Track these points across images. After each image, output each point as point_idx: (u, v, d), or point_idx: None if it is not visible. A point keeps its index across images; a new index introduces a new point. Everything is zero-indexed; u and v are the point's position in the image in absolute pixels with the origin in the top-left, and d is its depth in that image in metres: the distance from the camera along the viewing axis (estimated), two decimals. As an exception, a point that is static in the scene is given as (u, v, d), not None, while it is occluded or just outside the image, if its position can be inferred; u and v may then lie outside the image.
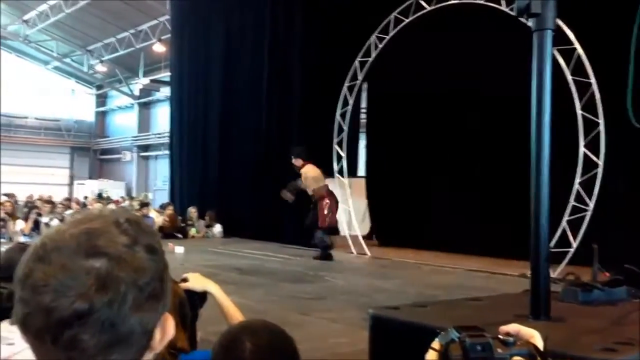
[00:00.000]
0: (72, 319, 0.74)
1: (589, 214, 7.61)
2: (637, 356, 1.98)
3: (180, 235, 13.22)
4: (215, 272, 7.66)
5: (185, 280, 2.20)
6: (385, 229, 12.42)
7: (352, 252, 10.82)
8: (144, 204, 15.11)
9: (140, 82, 25.66)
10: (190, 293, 2.15)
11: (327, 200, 10.16)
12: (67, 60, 27.57)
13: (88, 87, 30.50)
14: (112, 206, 15.38)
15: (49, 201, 14.85)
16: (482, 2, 8.77)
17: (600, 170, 7.55)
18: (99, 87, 30.33)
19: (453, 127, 10.72)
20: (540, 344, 0.96)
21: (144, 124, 28.05)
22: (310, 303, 6.41)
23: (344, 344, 4.62)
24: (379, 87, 12.32)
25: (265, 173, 13.11)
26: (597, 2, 7.98)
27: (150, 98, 27.57)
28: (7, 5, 23.40)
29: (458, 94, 10.39)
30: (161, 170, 25.74)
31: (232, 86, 14.44)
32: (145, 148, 27.81)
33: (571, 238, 7.64)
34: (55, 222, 12.51)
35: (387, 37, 10.47)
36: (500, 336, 0.94)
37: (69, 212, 13.61)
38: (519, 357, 0.92)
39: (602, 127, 7.55)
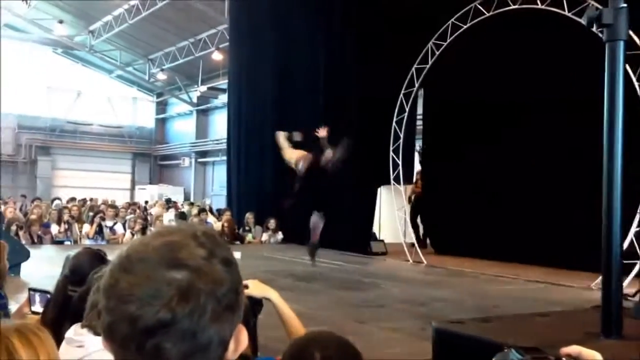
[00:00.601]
0: (156, 328, 0.78)
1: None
2: None
3: (237, 241, 13.40)
4: (271, 278, 7.72)
5: (245, 286, 2.23)
6: (441, 237, 12.26)
7: (408, 260, 10.73)
8: (202, 210, 15.40)
9: (199, 90, 26.22)
10: (249, 299, 2.19)
11: None
12: (130, 69, 28.45)
13: (149, 94, 31.37)
14: (172, 210, 15.75)
15: (113, 205, 15.33)
16: (543, 7, 8.58)
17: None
18: (159, 95, 31.16)
19: (510, 134, 10.49)
20: None
21: (201, 131, 28.64)
22: (367, 311, 6.39)
23: (403, 354, 4.59)
24: (436, 94, 12.20)
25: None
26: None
27: (208, 105, 28.13)
28: (74, 16, 24.38)
29: (516, 101, 10.16)
30: (218, 176, 26.19)
31: (288, 93, 14.57)
32: (203, 154, 28.37)
33: (639, 250, 7.36)
34: (118, 227, 12.94)
35: (445, 44, 10.36)
36: (563, 359, 0.93)
37: (130, 216, 14.01)
38: None
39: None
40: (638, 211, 7.45)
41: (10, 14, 24.63)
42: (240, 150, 16.73)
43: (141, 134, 31.08)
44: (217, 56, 22.02)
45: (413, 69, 10.92)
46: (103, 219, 12.71)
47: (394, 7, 11.46)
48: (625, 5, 2.38)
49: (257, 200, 15.48)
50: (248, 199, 15.86)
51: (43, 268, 8.12)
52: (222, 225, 13.72)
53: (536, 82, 9.71)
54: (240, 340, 0.87)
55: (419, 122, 12.91)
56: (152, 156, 31.25)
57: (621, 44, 2.40)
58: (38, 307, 3.42)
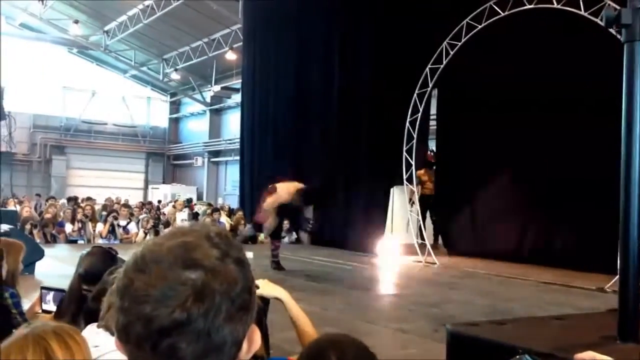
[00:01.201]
0: (171, 328, 0.77)
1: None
2: None
3: (249, 241, 13.41)
4: (283, 278, 7.76)
5: (256, 287, 2.22)
6: (454, 238, 12.21)
7: (420, 261, 10.70)
8: (216, 210, 15.44)
9: (212, 90, 26.30)
10: (261, 299, 2.18)
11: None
12: (144, 68, 28.61)
13: (163, 94, 31.53)
14: (186, 210, 15.80)
15: (126, 205, 15.42)
16: (559, 6, 8.50)
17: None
18: (173, 95, 31.31)
19: (524, 134, 10.42)
20: None
21: (215, 130, 28.73)
22: (379, 312, 6.39)
23: (416, 356, 4.57)
24: (450, 94, 12.16)
25: (335, 180, 13.16)
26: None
27: (221, 105, 28.22)
28: (89, 16, 24.57)
29: (530, 101, 10.11)
30: (231, 175, 26.27)
31: (303, 94, 14.59)
32: (216, 154, 28.47)
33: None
34: (132, 226, 13.01)
35: (459, 44, 10.32)
36: None
37: (143, 216, 14.09)
38: None
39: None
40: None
41: (26, 13, 24.88)
42: (253, 150, 16.77)
43: (155, 133, 31.25)
44: (231, 56, 22.09)
45: (427, 69, 10.88)
46: (116, 218, 12.79)
47: (409, 6, 11.43)
48: (644, 4, 2.35)
49: (269, 200, 15.47)
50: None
51: (57, 267, 8.20)
52: (234, 225, 13.75)
53: (552, 82, 9.64)
54: (254, 340, 0.87)
55: (432, 122, 12.86)
56: (165, 155, 31.41)
57: (640, 44, 2.36)
58: (50, 306, 3.44)
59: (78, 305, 2.79)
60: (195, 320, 0.78)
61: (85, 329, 2.37)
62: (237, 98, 23.87)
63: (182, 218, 14.62)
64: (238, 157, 19.29)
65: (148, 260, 0.81)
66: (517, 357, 0.94)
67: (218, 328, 0.79)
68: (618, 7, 2.46)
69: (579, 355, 0.95)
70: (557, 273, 8.94)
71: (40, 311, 3.45)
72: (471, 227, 11.54)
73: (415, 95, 11.11)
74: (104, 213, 13.68)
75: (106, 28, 25.13)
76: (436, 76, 10.84)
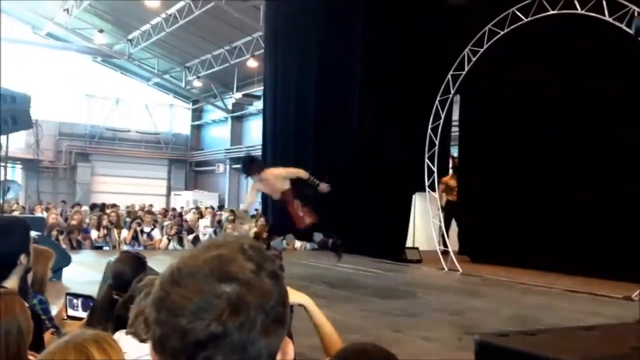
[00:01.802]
0: (208, 341, 0.78)
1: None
2: None
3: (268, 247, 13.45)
4: (305, 285, 7.74)
5: None
6: (476, 245, 12.10)
7: (443, 268, 10.63)
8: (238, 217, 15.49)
9: (234, 97, 26.49)
10: None
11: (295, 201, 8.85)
12: (167, 76, 28.93)
13: (185, 101, 31.83)
14: (208, 217, 15.89)
15: (150, 211, 15.56)
16: (584, 12, 8.43)
17: None
18: (195, 102, 31.59)
19: (547, 140, 10.32)
20: None
21: (236, 137, 28.91)
22: (403, 320, 6.35)
23: (440, 365, 4.55)
24: (472, 100, 12.09)
25: (357, 187, 13.14)
26: None
27: (243, 112, 28.39)
28: (113, 25, 24.93)
29: (554, 107, 10.00)
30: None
31: (324, 101, 14.60)
32: (238, 160, 28.57)
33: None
34: (155, 232, 13.13)
35: (481, 50, 10.27)
36: None
37: (167, 222, 14.21)
38: None
39: None
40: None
41: (52, 23, 25.33)
42: (275, 157, 16.81)
43: (177, 140, 31.53)
44: (252, 63, 22.25)
45: (449, 75, 10.84)
46: (140, 224, 12.92)
47: (431, 13, 11.42)
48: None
49: (291, 206, 15.49)
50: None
51: (83, 273, 8.31)
52: (258, 232, 13.78)
53: (575, 87, 9.54)
54: (287, 353, 0.88)
55: (454, 129, 12.80)
56: (187, 162, 31.67)
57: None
58: (76, 312, 3.47)
59: (109, 312, 2.83)
60: (231, 334, 0.79)
61: (113, 335, 2.40)
62: (258, 105, 24.00)
63: (204, 225, 14.71)
64: (260, 164, 19.35)
65: (184, 273, 0.82)
66: None
67: (253, 341, 0.80)
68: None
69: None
70: (582, 281, 8.82)
71: (66, 317, 3.49)
72: (494, 234, 11.42)
73: (437, 101, 11.08)
74: (128, 219, 13.82)
75: (130, 37, 25.47)
76: (458, 83, 10.80)
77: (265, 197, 17.48)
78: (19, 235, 2.62)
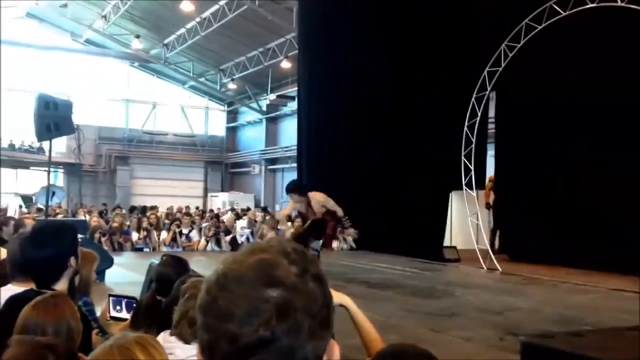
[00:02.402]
0: (257, 346, 0.79)
1: None
2: None
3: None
4: (343, 285, 7.74)
5: None
6: (515, 243, 11.90)
7: (482, 267, 10.49)
8: (273, 217, 15.61)
9: (268, 98, 26.66)
10: None
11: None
12: (202, 79, 29.30)
13: (220, 104, 32.18)
14: (246, 218, 16.01)
15: (188, 213, 15.76)
16: (624, 4, 8.22)
17: None
18: (230, 104, 31.91)
19: (587, 136, 10.09)
20: None
21: (271, 138, 29.09)
22: (442, 320, 6.29)
23: (481, 365, 4.49)
24: (508, 97, 11.90)
25: (394, 186, 13.08)
26: None
27: (277, 113, 28.55)
28: (149, 30, 25.35)
29: (594, 101, 9.76)
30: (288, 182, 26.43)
31: (359, 101, 14.57)
32: (273, 161, 28.79)
33: None
34: (194, 234, 13.30)
35: (519, 45, 10.10)
36: None
37: (205, 224, 14.38)
38: None
39: None
40: None
41: (90, 30, 25.91)
42: (310, 157, 16.85)
43: (213, 142, 31.90)
44: (286, 64, 22.35)
45: (485, 71, 10.70)
46: (179, 226, 13.10)
47: (466, 9, 11.28)
48: None
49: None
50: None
51: (126, 274, 8.48)
52: (292, 233, 13.82)
53: (614, 82, 9.29)
54: (333, 355, 0.88)
55: (491, 126, 12.62)
56: (223, 164, 31.99)
57: None
58: (122, 313, 3.53)
59: (153, 313, 2.87)
60: (280, 338, 0.79)
61: (158, 337, 2.44)
62: (293, 105, 24.11)
63: (241, 226, 14.84)
64: (295, 165, 19.44)
65: (230, 279, 0.83)
66: None
67: (301, 345, 0.81)
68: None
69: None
70: (626, 280, 8.58)
71: (109, 318, 3.56)
72: (533, 232, 11.21)
73: (473, 98, 10.94)
74: (167, 221, 14.03)
75: (166, 41, 25.86)
76: (495, 79, 10.64)
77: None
78: (68, 239, 2.68)
